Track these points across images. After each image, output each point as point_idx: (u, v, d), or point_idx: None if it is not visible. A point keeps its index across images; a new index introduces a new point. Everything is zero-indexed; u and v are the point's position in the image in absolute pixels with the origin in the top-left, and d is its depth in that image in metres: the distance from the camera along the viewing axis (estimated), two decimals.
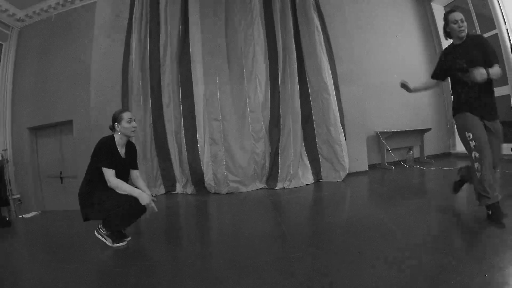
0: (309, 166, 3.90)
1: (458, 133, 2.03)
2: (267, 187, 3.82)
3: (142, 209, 2.04)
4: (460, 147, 5.70)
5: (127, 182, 2.11)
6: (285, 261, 1.65)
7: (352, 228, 2.16)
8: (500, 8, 4.61)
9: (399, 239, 1.81)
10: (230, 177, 3.71)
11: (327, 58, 4.21)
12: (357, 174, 4.32)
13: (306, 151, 3.95)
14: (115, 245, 2.05)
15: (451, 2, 6.19)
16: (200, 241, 2.33)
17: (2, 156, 5.41)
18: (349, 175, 4.14)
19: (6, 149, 5.39)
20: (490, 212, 1.82)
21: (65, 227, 3.15)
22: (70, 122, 4.93)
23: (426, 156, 5.21)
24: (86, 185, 2.08)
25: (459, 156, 5.51)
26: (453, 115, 2.06)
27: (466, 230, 1.95)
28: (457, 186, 2.37)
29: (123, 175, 2.13)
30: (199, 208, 3.48)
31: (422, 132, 5.15)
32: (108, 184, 2.01)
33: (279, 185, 3.77)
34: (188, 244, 2.27)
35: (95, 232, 2.10)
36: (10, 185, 5.34)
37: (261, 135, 3.85)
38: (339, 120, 3.99)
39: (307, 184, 3.83)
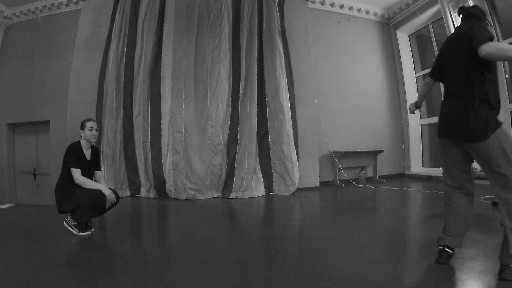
0: (262, 180, 4.51)
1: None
2: (222, 196, 4.42)
3: (103, 203, 2.56)
4: (414, 169, 6.40)
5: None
6: (225, 260, 2.12)
7: (289, 237, 2.67)
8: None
9: (330, 247, 2.24)
10: (189, 185, 4.28)
11: (286, 81, 4.84)
12: (309, 189, 4.94)
13: (260, 166, 4.57)
14: (81, 233, 2.57)
15: (416, 31, 6.88)
16: (157, 237, 2.88)
17: None
18: (301, 189, 4.76)
19: None
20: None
21: (36, 219, 3.67)
22: (47, 122, 5.39)
23: (378, 176, 5.86)
24: (60, 182, 2.61)
25: (411, 177, 6.20)
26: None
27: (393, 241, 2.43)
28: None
29: (89, 175, 2.68)
30: (159, 210, 4.02)
31: (375, 153, 5.83)
32: (76, 181, 2.54)
33: (232, 195, 4.37)
34: (146, 239, 2.82)
35: (64, 223, 2.62)
36: None
37: (219, 149, 4.46)
38: (292, 139, 4.62)
39: (258, 196, 4.44)
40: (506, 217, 1.45)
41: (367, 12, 6.88)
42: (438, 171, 5.70)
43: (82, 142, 2.67)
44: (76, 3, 5.83)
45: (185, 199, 4.32)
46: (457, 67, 1.62)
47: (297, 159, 4.67)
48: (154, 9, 4.99)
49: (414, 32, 7.01)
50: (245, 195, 4.38)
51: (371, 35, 6.88)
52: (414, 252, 2.12)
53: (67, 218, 2.61)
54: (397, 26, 6.97)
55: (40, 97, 5.56)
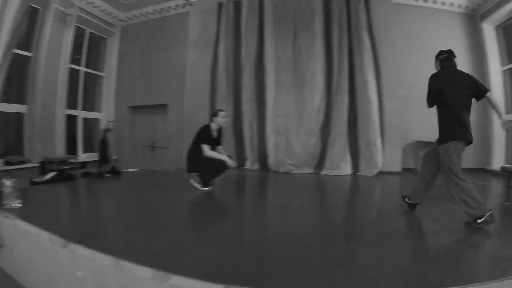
0: (350, 161, 5.34)
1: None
2: (314, 172, 5.37)
3: (225, 168, 3.63)
4: (496, 165, 6.54)
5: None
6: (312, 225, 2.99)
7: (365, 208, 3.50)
8: None
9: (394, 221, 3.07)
10: (287, 160, 5.32)
11: (373, 74, 5.50)
12: (390, 173, 5.60)
13: (349, 149, 5.35)
14: (204, 188, 3.68)
15: (502, 22, 6.89)
16: (256, 196, 3.92)
17: (107, 126, 7.45)
18: (383, 173, 5.44)
19: (112, 121, 7.41)
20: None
21: (160, 178, 4.95)
22: (164, 106, 6.79)
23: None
24: (191, 150, 3.74)
25: (493, 172, 6.39)
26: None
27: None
28: None
29: (213, 148, 3.73)
30: (261, 180, 5.09)
31: None
32: (204, 154, 3.60)
33: (323, 172, 5.29)
34: (249, 196, 3.89)
35: (191, 180, 3.74)
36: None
37: (315, 132, 5.41)
38: (378, 127, 5.34)
39: (345, 175, 5.24)
40: None
41: (451, 4, 7.09)
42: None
43: (213, 125, 3.73)
44: (183, 7, 7.11)
45: (283, 172, 5.34)
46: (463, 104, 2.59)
47: (382, 145, 5.36)
48: (254, 12, 6.04)
49: (500, 23, 6.99)
50: (334, 173, 5.28)
51: (455, 27, 7.10)
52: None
53: (194, 177, 3.69)
54: (482, 17, 7.05)
55: (158, 84, 6.99)
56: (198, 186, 3.67)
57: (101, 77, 7.86)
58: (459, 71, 2.75)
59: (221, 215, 2.94)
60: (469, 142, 2.50)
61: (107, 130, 7.38)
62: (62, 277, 1.93)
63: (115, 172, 5.07)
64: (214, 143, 3.75)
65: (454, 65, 2.78)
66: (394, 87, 5.77)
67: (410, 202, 2.83)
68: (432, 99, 2.72)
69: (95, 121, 7.73)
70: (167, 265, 1.53)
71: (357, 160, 5.41)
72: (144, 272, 1.52)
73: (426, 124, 6.34)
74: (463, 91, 2.56)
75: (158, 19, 7.55)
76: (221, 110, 3.82)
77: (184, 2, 6.73)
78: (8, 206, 2.63)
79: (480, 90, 2.56)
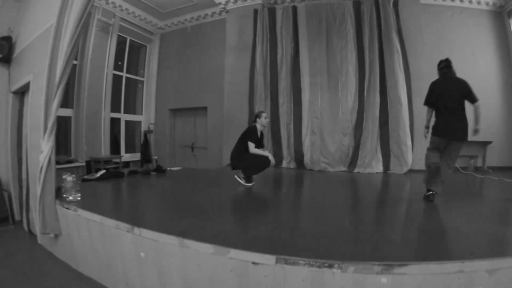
0: (381, 159, 5.77)
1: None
2: (347, 170, 5.82)
3: (267, 165, 4.09)
4: None
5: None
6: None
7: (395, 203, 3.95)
8: None
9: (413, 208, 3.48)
10: (322, 159, 5.78)
11: (403, 75, 5.88)
12: (420, 171, 5.88)
13: (380, 148, 5.77)
14: (247, 184, 4.19)
15: None
16: (294, 193, 4.38)
17: (149, 128, 8.16)
18: (413, 171, 5.80)
19: (154, 123, 8.11)
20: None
21: (202, 176, 5.48)
22: (204, 108, 7.39)
23: (487, 167, 6.45)
24: (237, 148, 4.24)
25: None
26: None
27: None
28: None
29: (257, 146, 4.20)
30: (298, 177, 5.57)
31: (484, 143, 6.43)
32: (250, 151, 4.09)
33: (356, 170, 5.73)
34: (287, 192, 4.36)
35: (236, 176, 4.23)
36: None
37: (348, 132, 5.83)
38: (408, 126, 5.71)
39: (377, 172, 5.66)
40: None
41: (479, 2, 7.27)
42: None
43: (258, 126, 4.21)
44: (219, 14, 7.66)
45: (318, 170, 5.82)
46: (453, 108, 3.20)
47: (412, 144, 5.71)
48: (288, 17, 6.48)
49: None
50: (366, 171, 5.70)
51: (484, 25, 7.27)
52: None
53: (238, 173, 4.21)
54: (510, 14, 7.16)
55: (197, 88, 7.60)
56: (242, 181, 4.17)
57: (141, 82, 8.57)
58: (456, 78, 3.33)
59: (265, 205, 3.48)
60: (451, 138, 3.18)
61: (148, 131, 8.10)
62: (124, 260, 2.35)
63: (160, 170, 5.56)
64: (258, 143, 4.24)
65: (451, 73, 3.35)
66: (424, 87, 6.05)
67: (426, 193, 3.35)
68: (426, 102, 3.48)
69: (137, 123, 8.45)
70: (225, 242, 1.89)
71: (388, 159, 5.81)
72: (206, 248, 1.89)
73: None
74: (451, 98, 3.17)
75: (195, 26, 8.15)
76: (263, 112, 4.32)
77: (221, 9, 7.27)
78: (70, 198, 2.96)
79: (470, 99, 3.18)
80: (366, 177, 5.45)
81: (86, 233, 2.66)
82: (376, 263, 1.66)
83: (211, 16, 7.86)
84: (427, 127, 3.54)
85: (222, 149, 6.79)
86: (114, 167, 6.47)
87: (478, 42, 7.17)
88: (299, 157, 6.01)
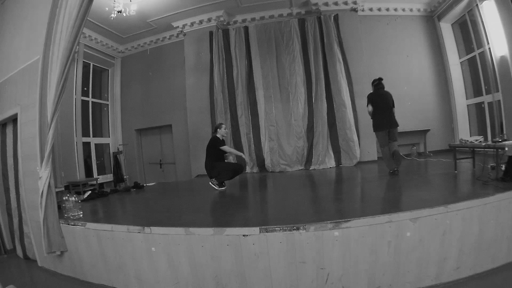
0: (333, 156, 7.07)
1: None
2: (304, 168, 7.06)
3: (240, 171, 5.25)
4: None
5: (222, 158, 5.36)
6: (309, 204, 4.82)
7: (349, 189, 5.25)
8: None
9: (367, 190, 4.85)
10: (281, 161, 7.02)
11: (346, 81, 7.28)
12: (369, 162, 7.31)
13: (331, 146, 7.10)
14: (220, 188, 5.24)
15: (457, 20, 8.72)
16: (261, 191, 5.56)
17: (118, 149, 9.12)
18: (362, 162, 7.15)
19: (122, 144, 9.08)
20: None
21: (177, 186, 6.57)
22: (168, 126, 8.48)
23: (428, 151, 7.98)
24: (208, 161, 5.31)
25: (459, 151, 8.15)
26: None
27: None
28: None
29: (221, 157, 5.30)
30: (262, 179, 6.71)
31: (424, 132, 7.98)
32: (227, 150, 5.22)
33: (312, 167, 6.98)
34: (255, 192, 5.52)
35: (210, 183, 5.26)
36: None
37: (301, 135, 7.11)
38: (353, 124, 7.07)
39: (330, 167, 6.96)
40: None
41: (411, 10, 8.94)
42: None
43: (219, 136, 5.36)
44: (177, 36, 8.86)
45: (279, 171, 7.04)
46: (386, 109, 5.10)
47: (358, 139, 7.10)
48: (241, 37, 7.76)
49: (456, 21, 8.81)
50: (321, 167, 6.99)
51: (416, 29, 8.92)
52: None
53: (211, 180, 5.25)
54: (440, 17, 8.87)
55: (160, 107, 8.69)
56: (215, 187, 5.20)
57: (106, 105, 9.54)
58: (385, 91, 5.18)
59: (242, 200, 4.58)
60: (389, 129, 5.06)
61: (118, 152, 9.05)
62: (135, 258, 2.98)
63: (138, 186, 6.57)
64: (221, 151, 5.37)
65: (382, 87, 5.17)
66: (364, 90, 7.51)
67: (390, 171, 5.04)
68: (372, 114, 5.26)
69: (105, 145, 9.37)
70: (221, 225, 2.78)
71: (339, 154, 7.11)
72: (207, 232, 2.68)
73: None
74: (386, 104, 5.00)
75: (155, 48, 9.29)
76: (222, 124, 5.49)
77: (178, 32, 8.49)
78: (73, 216, 3.54)
79: (393, 105, 5.19)
80: (321, 172, 6.71)
81: (95, 243, 3.24)
82: (329, 222, 2.55)
83: (169, 39, 9.04)
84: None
85: (190, 162, 7.90)
86: (94, 189, 7.37)
87: (412, 45, 8.80)
88: (260, 162, 7.20)
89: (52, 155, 3.66)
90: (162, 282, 2.95)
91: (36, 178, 3.65)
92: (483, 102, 8.14)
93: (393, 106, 5.20)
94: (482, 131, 8.36)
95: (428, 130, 8.03)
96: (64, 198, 3.83)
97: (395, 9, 8.78)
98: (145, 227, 2.96)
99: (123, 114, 9.43)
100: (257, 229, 2.62)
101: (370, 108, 5.20)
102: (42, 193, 3.51)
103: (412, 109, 8.23)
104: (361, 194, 4.29)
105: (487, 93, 7.89)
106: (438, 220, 2.67)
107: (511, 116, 6.70)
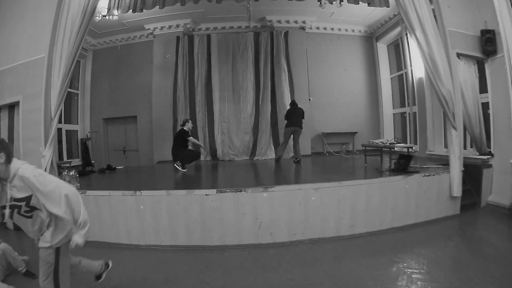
0: (273, 149, 9.37)
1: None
2: (250, 158, 9.32)
3: (197, 157, 7.52)
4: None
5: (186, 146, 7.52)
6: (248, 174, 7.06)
7: (285, 169, 7.53)
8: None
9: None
10: (230, 152, 9.25)
11: (288, 89, 9.60)
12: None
13: (272, 141, 9.34)
14: (183, 170, 7.46)
15: (393, 42, 11.24)
16: (215, 172, 7.74)
17: (87, 136, 10.81)
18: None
19: (90, 131, 10.78)
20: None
21: (141, 169, 8.54)
22: (133, 117, 10.33)
23: (356, 150, 10.42)
24: (175, 148, 7.44)
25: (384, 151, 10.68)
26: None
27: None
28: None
29: (187, 145, 7.48)
30: (214, 165, 8.87)
31: (352, 133, 10.42)
32: (192, 141, 7.42)
33: (256, 158, 9.30)
34: (209, 171, 7.67)
35: (175, 164, 7.47)
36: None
37: (248, 131, 9.40)
38: None
39: (271, 158, 9.23)
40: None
41: (353, 30, 11.42)
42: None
43: (186, 128, 7.39)
44: (147, 37, 10.73)
45: (228, 160, 9.23)
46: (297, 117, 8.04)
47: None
48: (203, 44, 9.87)
49: (391, 43, 11.35)
50: (263, 158, 9.33)
51: (356, 47, 11.44)
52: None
53: (176, 163, 7.35)
54: (378, 38, 11.43)
55: (127, 99, 10.51)
56: (179, 168, 7.29)
57: (76, 94, 11.17)
58: (298, 107, 7.89)
59: (201, 177, 6.77)
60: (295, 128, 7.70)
61: (87, 139, 10.74)
62: (126, 215, 4.54)
63: (111, 168, 8.48)
64: (187, 141, 7.38)
65: (296, 105, 7.93)
66: (303, 96, 9.83)
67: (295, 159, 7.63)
68: (286, 118, 7.73)
69: (73, 132, 11.01)
70: (191, 188, 4.62)
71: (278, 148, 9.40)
72: (182, 193, 4.47)
73: (327, 120, 10.65)
74: (295, 113, 7.70)
75: (125, 45, 11.08)
76: (189, 120, 7.55)
77: (149, 33, 10.36)
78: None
79: (303, 117, 7.93)
80: (263, 161, 9.02)
81: (93, 207, 4.47)
82: (260, 187, 4.47)
83: (140, 38, 10.90)
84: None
85: (153, 150, 9.86)
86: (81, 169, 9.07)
87: (350, 60, 11.29)
88: (213, 152, 9.43)
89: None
90: (146, 232, 4.58)
91: (37, 156, 5.12)
92: (405, 112, 10.66)
93: (303, 117, 7.94)
94: (403, 135, 10.98)
95: (356, 132, 10.50)
96: (64, 173, 5.27)
97: (339, 29, 11.23)
98: (137, 191, 4.56)
99: (92, 103, 11.14)
100: (215, 190, 4.48)
101: (286, 119, 8.20)
102: (45, 169, 4.86)
103: (345, 114, 10.73)
104: (285, 173, 6.78)
105: (408, 105, 10.42)
106: (334, 190, 4.67)
107: (423, 124, 9.11)
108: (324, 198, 4.63)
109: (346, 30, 11.32)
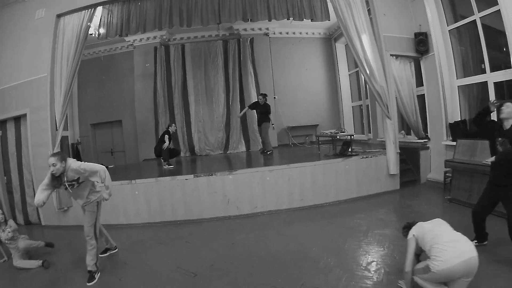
0: (244, 143, 11.45)
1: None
2: (223, 152, 11.39)
3: (178, 153, 9.52)
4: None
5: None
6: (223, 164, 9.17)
7: (255, 159, 9.64)
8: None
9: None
10: (206, 148, 11.33)
11: (255, 90, 11.66)
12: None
13: (243, 136, 11.43)
14: (168, 167, 9.33)
15: None
16: (193, 164, 9.78)
17: (78, 140, 12.74)
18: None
19: (80, 136, 12.70)
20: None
21: (131, 167, 10.59)
22: (119, 121, 12.29)
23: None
24: (158, 146, 9.40)
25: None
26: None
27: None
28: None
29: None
30: (193, 160, 10.84)
31: (314, 126, 12.58)
32: (167, 142, 9.34)
33: (229, 152, 11.38)
34: (189, 164, 9.74)
35: (163, 166, 9.38)
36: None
37: (221, 129, 11.46)
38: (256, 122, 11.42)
39: (242, 151, 11.33)
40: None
41: (313, 33, 13.51)
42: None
43: (170, 130, 9.40)
44: (127, 48, 12.66)
45: (205, 155, 11.29)
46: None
47: None
48: (179, 53, 11.82)
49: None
50: (235, 151, 11.36)
51: (316, 48, 13.52)
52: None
53: (163, 164, 9.33)
54: (336, 39, 13.54)
55: (112, 106, 12.44)
56: (166, 166, 9.20)
57: None
58: (265, 103, 9.58)
59: (181, 168, 8.71)
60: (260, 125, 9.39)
61: (77, 143, 12.66)
62: (124, 200, 6.33)
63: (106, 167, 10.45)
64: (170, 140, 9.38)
65: (265, 100, 9.53)
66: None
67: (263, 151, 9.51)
68: (251, 108, 9.60)
69: (64, 138, 12.88)
70: (174, 175, 6.59)
71: (248, 143, 11.50)
72: (168, 179, 6.39)
73: (292, 115, 12.85)
74: (262, 111, 9.43)
75: (108, 56, 12.97)
76: (173, 124, 9.55)
77: (129, 44, 12.30)
78: None
79: (269, 112, 9.53)
80: (235, 154, 11.02)
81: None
82: (227, 171, 6.44)
83: (121, 49, 12.80)
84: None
85: (138, 150, 11.84)
86: None
87: (311, 60, 13.36)
88: (191, 148, 11.38)
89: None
90: (141, 213, 6.34)
91: (46, 159, 7.00)
92: (361, 105, 12.85)
93: (269, 113, 9.47)
94: (362, 125, 13.18)
95: (317, 125, 12.66)
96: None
97: (300, 33, 13.29)
98: (132, 180, 6.40)
99: (80, 110, 12.99)
100: (192, 175, 6.37)
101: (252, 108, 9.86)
102: None
103: (307, 109, 12.85)
104: (248, 160, 8.88)
105: (363, 99, 12.60)
106: (284, 172, 6.48)
107: (374, 115, 11.22)
108: (277, 178, 6.45)
109: (307, 33, 13.37)
